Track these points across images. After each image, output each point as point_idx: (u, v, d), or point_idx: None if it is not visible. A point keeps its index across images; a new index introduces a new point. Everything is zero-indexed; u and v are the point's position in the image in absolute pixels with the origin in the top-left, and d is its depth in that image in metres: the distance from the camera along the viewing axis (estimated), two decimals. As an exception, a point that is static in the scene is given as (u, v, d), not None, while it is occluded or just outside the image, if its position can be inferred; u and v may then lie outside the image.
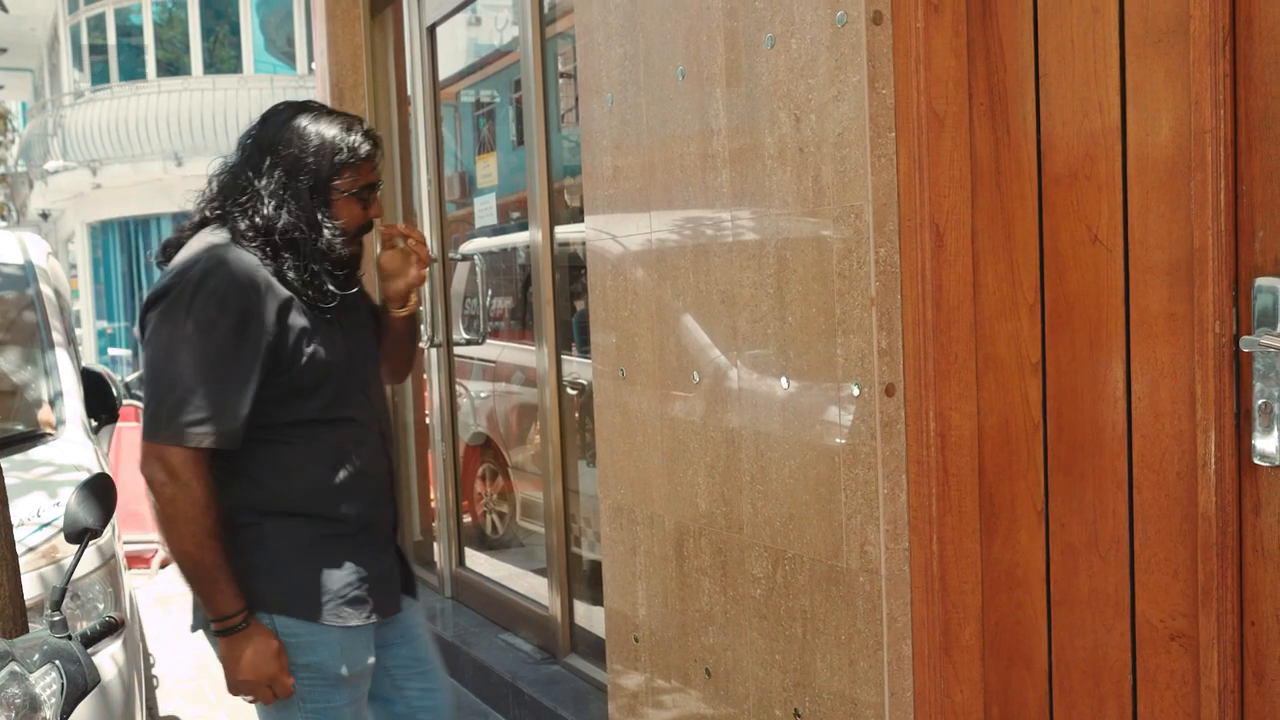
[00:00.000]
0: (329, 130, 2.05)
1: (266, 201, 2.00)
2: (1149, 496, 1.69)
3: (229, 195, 2.04)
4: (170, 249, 2.07)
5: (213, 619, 1.97)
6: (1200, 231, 1.57)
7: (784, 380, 2.19)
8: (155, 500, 1.95)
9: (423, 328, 4.42)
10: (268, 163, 2.02)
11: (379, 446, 2.16)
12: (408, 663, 2.25)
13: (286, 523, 2.03)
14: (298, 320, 1.99)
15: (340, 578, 2.05)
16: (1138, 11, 1.66)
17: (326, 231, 2.02)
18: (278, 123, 2.07)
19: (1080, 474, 1.80)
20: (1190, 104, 1.57)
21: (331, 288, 2.03)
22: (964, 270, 1.95)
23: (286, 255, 2.00)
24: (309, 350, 2.00)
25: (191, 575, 1.97)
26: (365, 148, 2.07)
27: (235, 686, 2.00)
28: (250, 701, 2.02)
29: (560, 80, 3.89)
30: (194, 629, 2.12)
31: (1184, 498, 1.64)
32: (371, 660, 2.12)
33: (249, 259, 1.97)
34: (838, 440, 2.06)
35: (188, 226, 2.09)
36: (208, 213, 2.06)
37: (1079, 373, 1.79)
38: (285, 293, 1.99)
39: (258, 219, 1.99)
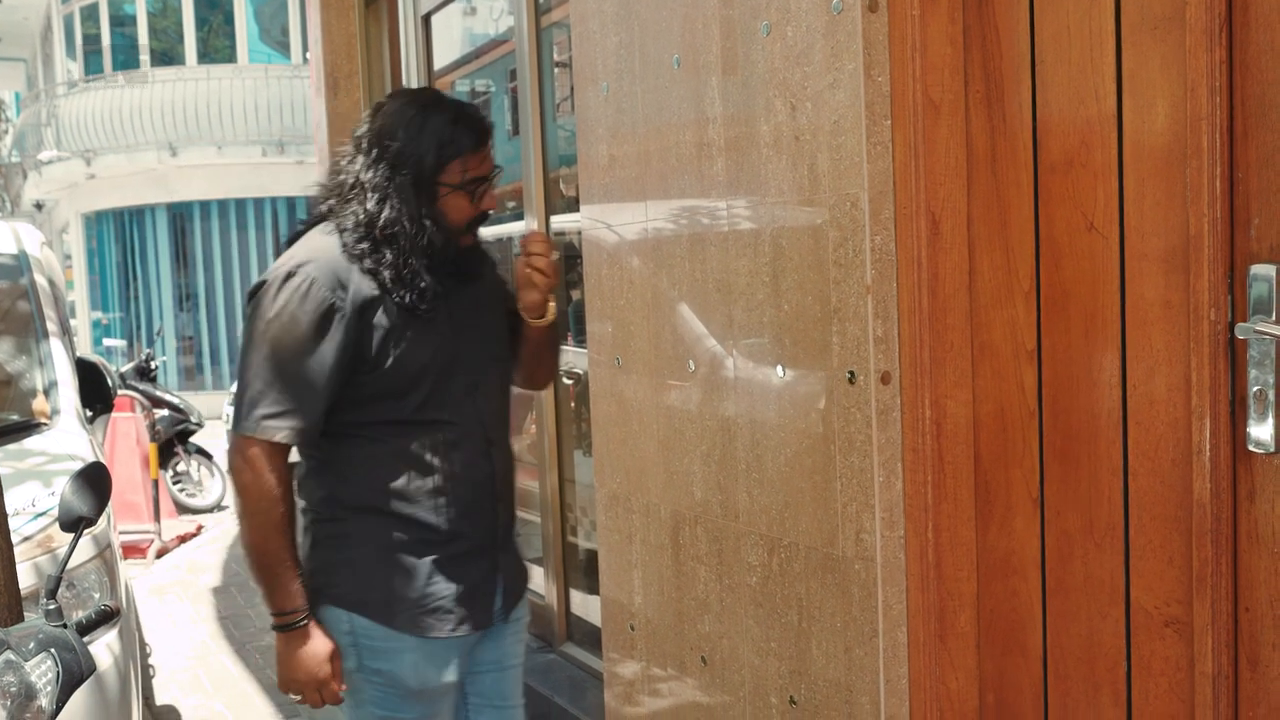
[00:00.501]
0: (434, 121, 1.95)
1: (370, 196, 1.94)
2: (1144, 484, 1.69)
3: (338, 191, 2.00)
4: (286, 246, 2.04)
5: (272, 614, 1.94)
6: (1196, 219, 1.57)
7: (779, 368, 2.19)
8: (233, 490, 1.95)
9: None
10: (374, 155, 1.96)
11: (481, 451, 2.04)
12: (489, 697, 2.15)
13: (371, 522, 1.98)
14: (384, 320, 1.93)
15: (422, 585, 1.97)
16: (1134, -2, 1.66)
17: (429, 227, 1.94)
18: (386, 114, 1.99)
19: (1076, 461, 1.80)
20: (1186, 91, 1.57)
21: (426, 284, 1.93)
22: (960, 258, 1.95)
23: (386, 252, 1.93)
24: (395, 352, 1.93)
25: (257, 567, 1.93)
26: (469, 140, 1.97)
27: (284, 684, 1.97)
28: (299, 702, 1.97)
29: (555, 69, 3.88)
30: None
31: (1179, 485, 1.64)
32: (452, 678, 2.03)
33: (339, 257, 1.92)
34: (833, 428, 2.06)
35: (303, 224, 2.06)
36: (322, 209, 2.02)
37: (1074, 360, 1.80)
38: (374, 292, 1.92)
39: (361, 214, 1.94)
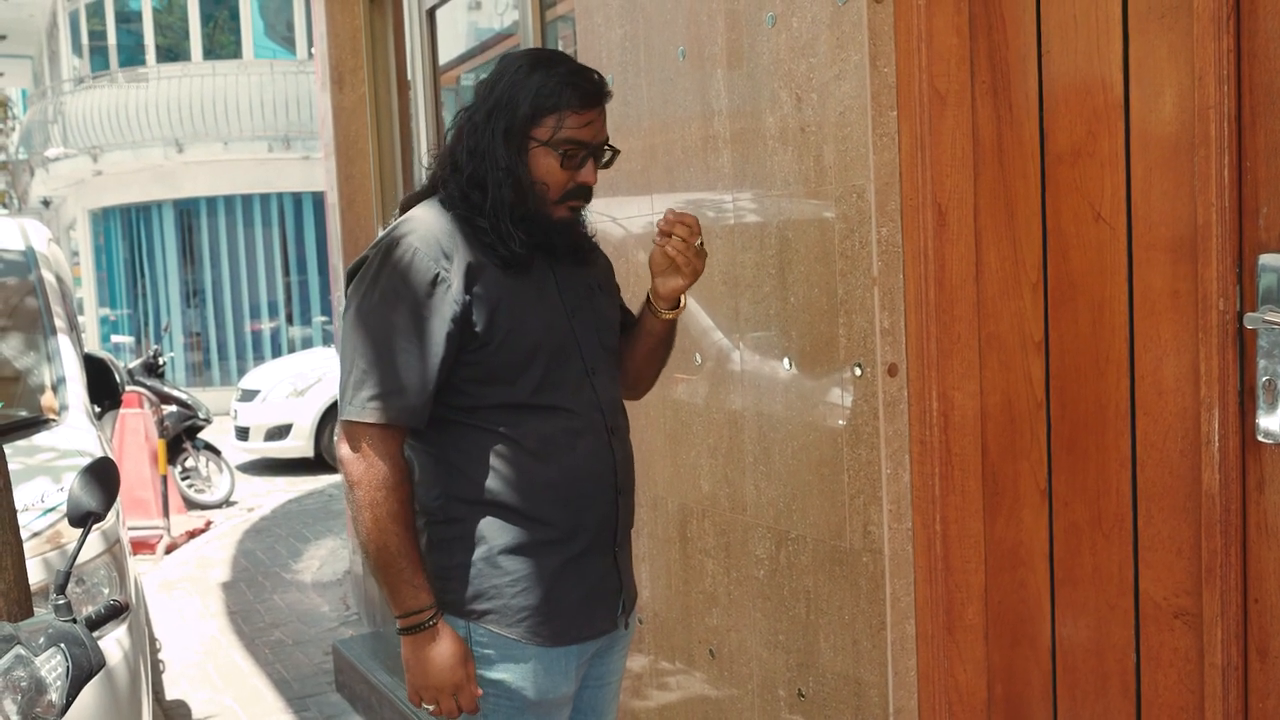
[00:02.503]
0: (541, 73, 1.80)
1: (464, 146, 1.82)
2: (1152, 475, 1.69)
3: (445, 157, 1.88)
4: (397, 215, 1.91)
5: (397, 615, 1.78)
6: (1204, 208, 1.56)
7: (786, 361, 2.18)
8: (344, 481, 1.79)
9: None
10: (475, 107, 1.84)
11: (603, 441, 1.88)
12: (585, 712, 2.00)
13: (487, 521, 1.82)
14: (492, 292, 1.78)
15: (544, 590, 1.82)
16: (1141, -13, 1.65)
17: (513, 179, 1.79)
18: (497, 72, 1.85)
19: (1083, 452, 1.80)
20: (1194, 80, 1.56)
21: (520, 242, 1.80)
22: (966, 249, 1.94)
23: (481, 202, 1.80)
24: (505, 327, 1.78)
25: (377, 564, 1.77)
26: (571, 97, 1.79)
27: (417, 693, 1.80)
28: (433, 714, 1.81)
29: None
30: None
31: (1188, 475, 1.63)
32: (569, 689, 1.88)
33: (441, 224, 1.80)
34: (840, 421, 2.06)
35: (413, 197, 1.93)
36: (436, 177, 1.90)
37: (1082, 351, 1.79)
38: (479, 259, 1.78)
39: (460, 164, 1.83)
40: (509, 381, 1.81)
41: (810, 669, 2.18)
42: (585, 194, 1.87)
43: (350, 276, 1.85)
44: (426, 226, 1.80)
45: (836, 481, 2.08)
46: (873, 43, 1.93)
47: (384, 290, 1.77)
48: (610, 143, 1.88)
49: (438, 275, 1.76)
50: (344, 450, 1.78)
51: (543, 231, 1.84)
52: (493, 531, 1.82)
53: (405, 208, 1.90)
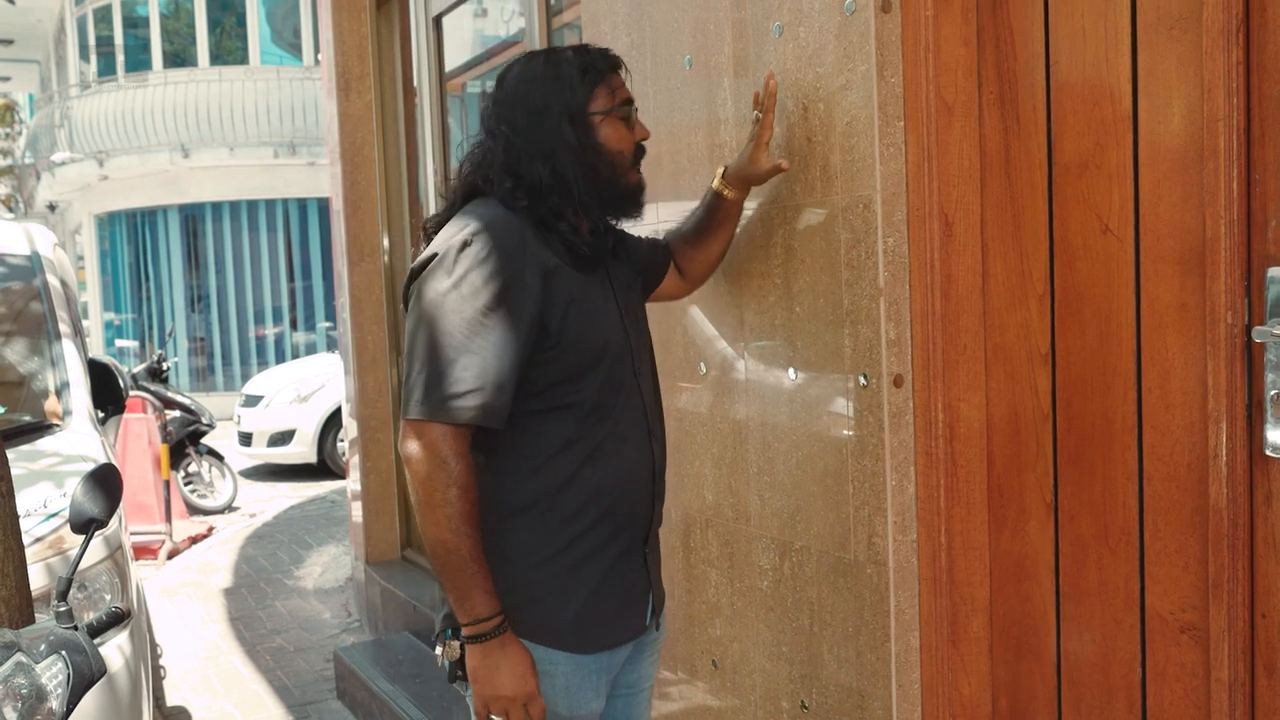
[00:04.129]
0: (563, 61, 1.84)
1: (529, 154, 1.80)
2: (1159, 488, 1.68)
3: (484, 165, 1.85)
4: (430, 229, 1.88)
5: (465, 622, 1.71)
6: (1212, 221, 1.55)
7: (791, 371, 2.18)
8: (411, 481, 1.72)
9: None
10: (518, 115, 1.82)
11: (644, 445, 1.87)
12: None
13: (530, 530, 1.78)
14: (566, 291, 1.76)
15: (583, 598, 1.79)
16: (1150, -1, 1.65)
17: (595, 160, 1.81)
18: (512, 78, 1.86)
19: (1090, 465, 1.79)
20: (1203, 92, 1.56)
21: (598, 232, 1.85)
22: (973, 260, 1.94)
23: (559, 204, 1.80)
24: (578, 326, 1.76)
25: (445, 567, 1.70)
26: (603, 63, 1.85)
27: (486, 704, 1.73)
28: None
29: (566, 70, 3.87)
30: (447, 677, 1.83)
31: (1195, 489, 1.62)
32: (599, 704, 1.84)
33: (514, 222, 1.77)
34: (845, 431, 2.05)
35: (445, 207, 1.90)
36: (478, 182, 1.86)
37: (1089, 363, 1.78)
38: (552, 259, 1.77)
39: (523, 174, 1.80)
40: (574, 382, 1.78)
41: (813, 680, 2.17)
42: (644, 150, 1.94)
43: (414, 275, 1.79)
44: (501, 226, 1.76)
45: (841, 492, 2.07)
46: (880, 53, 1.93)
47: (462, 286, 1.71)
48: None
49: (515, 272, 1.72)
50: (412, 447, 1.70)
51: (627, 201, 1.88)
52: (534, 540, 1.78)
53: (439, 223, 1.87)
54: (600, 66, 1.85)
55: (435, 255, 1.75)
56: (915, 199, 1.95)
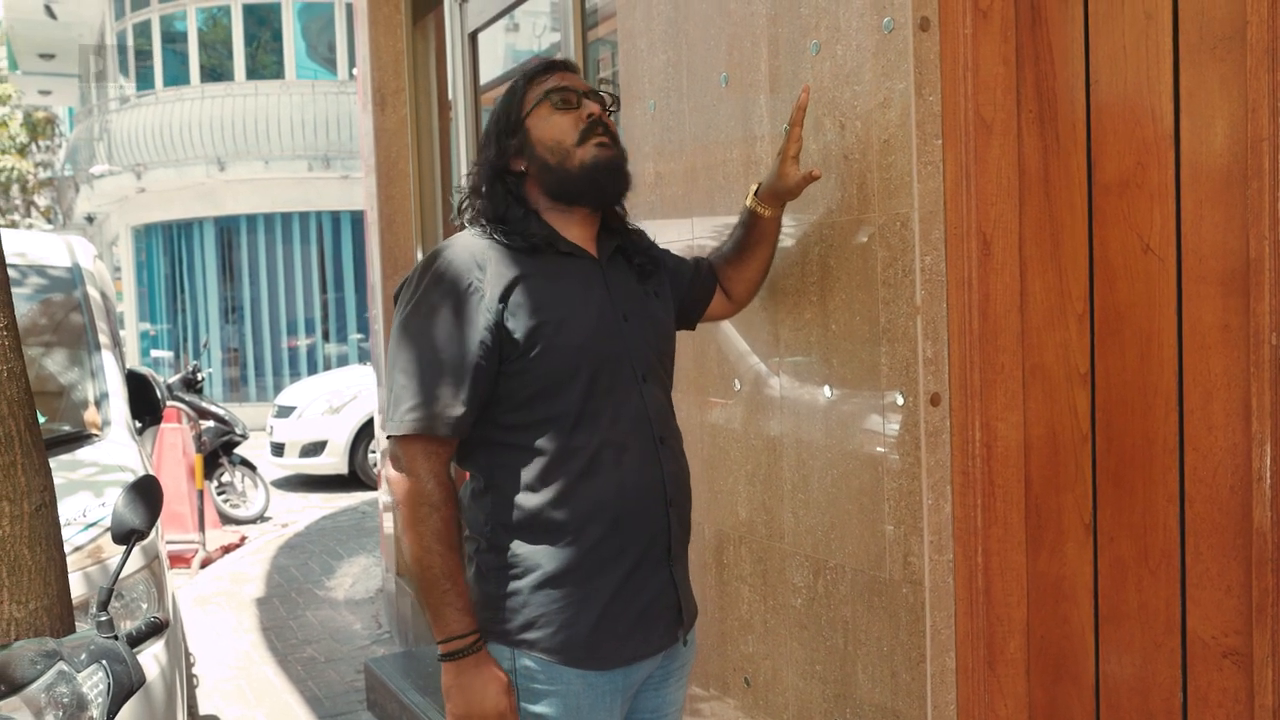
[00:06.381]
0: (515, 81, 1.91)
1: (485, 175, 1.90)
2: (1201, 510, 1.66)
3: (469, 196, 1.95)
4: None
5: (439, 640, 1.72)
6: (1256, 241, 1.54)
7: (827, 389, 2.17)
8: (393, 500, 1.82)
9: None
10: (484, 144, 1.93)
11: (651, 453, 1.83)
12: None
13: (533, 547, 1.77)
14: (531, 296, 1.78)
15: (596, 613, 1.77)
16: (1193, 17, 1.64)
17: (548, 150, 1.85)
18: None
19: (1130, 487, 1.77)
20: (1247, 111, 1.54)
21: (537, 226, 1.86)
22: (1011, 279, 1.93)
23: (500, 205, 1.86)
24: (548, 331, 1.77)
25: (420, 584, 1.73)
26: (537, 66, 1.89)
27: None
28: None
29: (600, 86, 3.89)
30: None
31: (1238, 512, 1.60)
32: None
33: (476, 242, 1.83)
34: (881, 450, 2.04)
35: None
36: (467, 217, 1.96)
37: (1129, 384, 1.77)
38: (516, 268, 1.79)
39: (484, 194, 1.89)
40: (555, 393, 1.77)
41: (847, 700, 2.16)
42: (601, 127, 1.87)
43: (395, 299, 1.88)
44: (461, 243, 1.84)
45: (876, 511, 2.06)
46: (918, 71, 1.93)
47: (421, 304, 1.78)
48: (604, 91, 1.94)
49: (470, 284, 1.77)
50: (389, 469, 1.77)
51: (587, 180, 1.85)
52: (542, 557, 1.77)
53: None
54: (532, 70, 1.90)
55: (402, 284, 1.85)
56: (953, 217, 1.94)
